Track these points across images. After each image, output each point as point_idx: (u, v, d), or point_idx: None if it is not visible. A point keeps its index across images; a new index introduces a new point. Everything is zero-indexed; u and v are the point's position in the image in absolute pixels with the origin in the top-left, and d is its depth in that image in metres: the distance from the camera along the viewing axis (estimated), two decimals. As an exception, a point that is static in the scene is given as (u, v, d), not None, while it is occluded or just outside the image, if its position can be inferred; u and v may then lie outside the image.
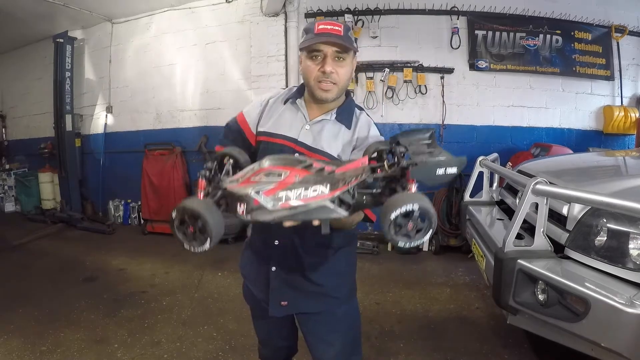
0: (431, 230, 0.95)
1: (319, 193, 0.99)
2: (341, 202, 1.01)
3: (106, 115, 6.88)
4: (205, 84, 6.10)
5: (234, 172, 1.19)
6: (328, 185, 1.00)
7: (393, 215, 0.91)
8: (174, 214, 1.02)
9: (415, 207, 0.91)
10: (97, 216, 6.96)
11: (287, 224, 1.04)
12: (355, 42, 5.15)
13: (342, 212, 1.01)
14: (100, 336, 3.12)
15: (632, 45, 5.51)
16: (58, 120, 6.63)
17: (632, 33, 5.43)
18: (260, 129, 1.56)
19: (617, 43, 5.41)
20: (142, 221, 6.39)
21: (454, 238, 4.94)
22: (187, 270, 4.51)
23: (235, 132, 1.59)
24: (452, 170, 1.00)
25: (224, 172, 1.20)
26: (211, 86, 6.06)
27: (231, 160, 1.23)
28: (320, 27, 1.38)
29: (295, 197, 0.99)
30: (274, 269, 1.57)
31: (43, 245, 5.62)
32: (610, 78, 5.45)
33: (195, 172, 6.08)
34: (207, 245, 1.02)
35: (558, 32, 5.30)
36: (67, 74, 6.58)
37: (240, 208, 1.03)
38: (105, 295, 3.85)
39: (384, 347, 2.96)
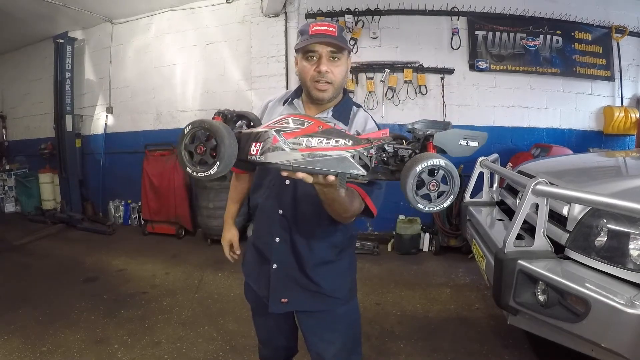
0: (452, 196, 0.93)
1: (341, 145, 0.97)
2: (360, 163, 0.99)
3: (106, 115, 6.88)
4: (206, 84, 6.10)
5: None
6: (350, 141, 0.98)
7: (419, 168, 0.89)
8: (187, 129, 0.97)
9: (442, 163, 0.89)
10: (97, 217, 6.97)
11: (300, 175, 1.00)
12: (355, 43, 5.21)
13: (361, 170, 0.98)
14: (101, 337, 3.12)
15: (632, 45, 5.51)
16: (58, 120, 6.62)
17: (632, 34, 5.43)
18: None
19: (618, 43, 5.41)
20: (142, 222, 6.39)
21: (454, 238, 4.93)
22: (187, 270, 4.51)
23: None
24: (474, 143, 0.99)
25: (236, 125, 1.19)
26: (211, 87, 6.06)
27: (245, 122, 1.22)
28: (315, 28, 1.41)
29: (317, 144, 0.97)
30: (274, 266, 1.59)
31: (43, 246, 5.62)
32: (610, 78, 5.46)
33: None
34: (213, 170, 0.95)
35: (558, 32, 5.31)
36: (68, 74, 6.57)
37: (255, 147, 0.99)
38: (106, 295, 3.85)
39: (384, 347, 2.96)
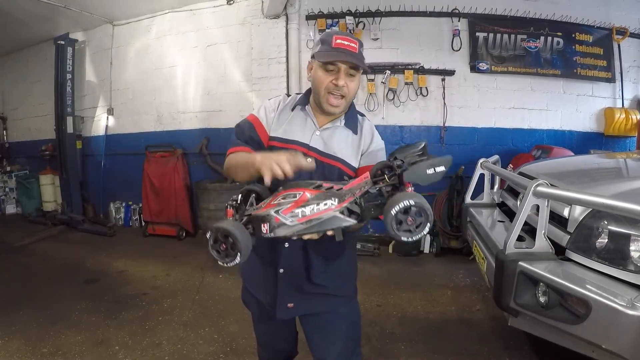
0: (429, 224, 1.08)
1: (329, 206, 1.15)
2: (350, 212, 1.16)
3: (107, 117, 6.89)
4: (206, 85, 6.11)
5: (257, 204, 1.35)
6: (336, 199, 1.16)
7: (393, 212, 1.04)
8: (208, 234, 1.18)
9: (412, 202, 1.04)
10: (98, 218, 6.97)
11: (306, 236, 1.21)
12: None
13: (351, 221, 1.16)
14: (101, 338, 3.12)
15: (633, 47, 5.51)
16: (59, 122, 6.63)
17: (633, 35, 5.43)
18: (272, 134, 1.59)
19: (618, 45, 5.41)
20: (143, 223, 6.40)
21: (455, 240, 4.93)
22: (188, 272, 4.52)
23: (247, 132, 1.60)
24: (441, 168, 1.13)
25: (248, 204, 1.36)
26: (212, 88, 6.07)
27: (254, 195, 1.39)
28: (338, 41, 1.44)
29: (310, 212, 1.16)
30: (281, 271, 1.58)
31: (44, 247, 5.63)
32: (611, 80, 5.45)
33: (196, 174, 6.12)
34: (237, 259, 1.15)
35: (559, 34, 5.31)
36: (68, 75, 6.59)
37: (264, 227, 1.18)
38: (106, 297, 3.85)
39: (385, 349, 2.95)
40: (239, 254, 1.14)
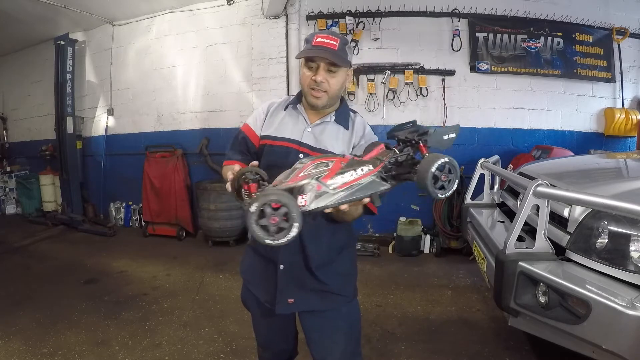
0: (457, 180, 1.16)
1: (366, 171, 1.15)
2: (381, 179, 1.18)
3: (107, 117, 6.89)
4: (206, 86, 6.11)
5: (260, 185, 1.21)
6: (370, 165, 1.16)
7: (433, 168, 1.11)
8: (252, 208, 0.98)
9: (446, 159, 1.12)
10: (98, 218, 6.97)
11: (343, 206, 1.15)
12: (356, 45, 5.21)
13: (387, 185, 1.19)
14: (101, 338, 3.12)
15: (633, 47, 5.51)
16: (59, 122, 6.63)
17: (633, 35, 5.43)
18: (263, 133, 1.64)
19: (618, 45, 5.41)
20: (143, 223, 6.40)
21: (455, 240, 4.93)
22: (188, 272, 4.52)
23: (240, 141, 1.67)
24: (453, 135, 1.25)
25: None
26: (212, 88, 6.07)
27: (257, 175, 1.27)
28: (318, 39, 1.49)
29: (350, 177, 1.13)
30: (281, 267, 1.59)
31: (44, 248, 5.63)
32: (611, 80, 5.45)
33: (196, 174, 6.11)
34: (294, 231, 1.00)
35: (559, 34, 5.31)
36: (68, 76, 6.59)
37: (302, 199, 1.08)
38: (106, 297, 3.85)
39: (385, 349, 2.95)
40: (295, 224, 0.99)
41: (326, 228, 1.58)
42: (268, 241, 1.01)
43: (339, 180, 1.11)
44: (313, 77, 1.50)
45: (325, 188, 1.10)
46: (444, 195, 1.17)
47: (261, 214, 0.99)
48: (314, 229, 1.55)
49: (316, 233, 1.57)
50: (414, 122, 1.26)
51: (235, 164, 1.48)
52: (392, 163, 1.20)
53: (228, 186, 1.27)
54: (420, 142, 1.19)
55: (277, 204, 0.99)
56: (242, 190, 1.20)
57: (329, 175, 1.11)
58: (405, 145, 1.23)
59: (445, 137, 1.24)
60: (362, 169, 1.14)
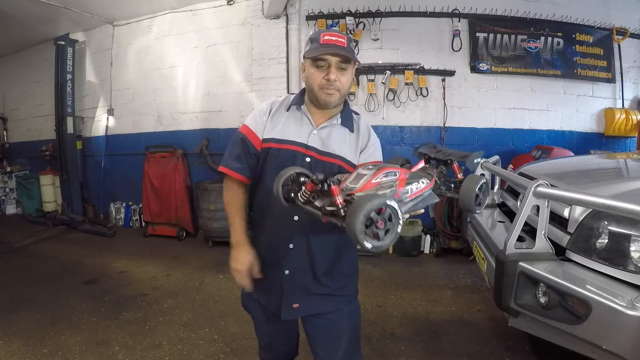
0: (488, 198, 1.36)
1: (427, 184, 1.24)
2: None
3: (107, 117, 6.89)
4: (207, 86, 6.11)
5: (299, 188, 1.23)
6: (427, 179, 1.25)
7: (477, 189, 1.28)
8: (359, 221, 0.94)
9: (484, 181, 1.29)
10: (98, 219, 6.97)
11: (406, 216, 1.18)
12: (356, 45, 5.22)
13: (437, 199, 1.30)
14: (102, 339, 3.12)
15: (633, 47, 5.52)
16: (59, 122, 6.63)
17: (633, 35, 5.44)
18: (266, 136, 1.59)
19: (619, 45, 5.42)
20: (143, 223, 6.40)
21: (455, 240, 4.93)
22: (188, 272, 4.52)
23: (239, 143, 1.62)
24: (479, 159, 1.46)
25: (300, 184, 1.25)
26: (212, 88, 6.07)
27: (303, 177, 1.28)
28: (326, 37, 1.47)
29: (415, 189, 1.20)
30: (287, 272, 1.58)
31: (44, 248, 5.63)
32: (611, 80, 5.46)
33: (197, 175, 6.10)
34: (399, 229, 1.02)
35: (559, 34, 5.31)
36: (69, 76, 6.59)
37: None
38: (107, 297, 3.85)
39: (386, 349, 2.95)
40: (400, 220, 1.00)
41: (334, 236, 1.57)
42: (376, 245, 0.99)
43: (409, 190, 1.17)
44: (326, 76, 1.48)
45: (402, 196, 1.15)
46: (482, 209, 1.35)
47: (369, 223, 0.97)
48: (323, 237, 1.56)
49: (325, 241, 1.57)
50: (435, 144, 1.47)
51: (236, 176, 1.59)
52: (439, 179, 1.33)
53: (279, 194, 1.25)
54: (454, 162, 1.36)
55: (382, 209, 0.99)
56: (301, 192, 1.21)
57: (400, 184, 1.16)
58: (439, 163, 1.39)
59: (476, 161, 1.43)
60: (422, 182, 1.22)
